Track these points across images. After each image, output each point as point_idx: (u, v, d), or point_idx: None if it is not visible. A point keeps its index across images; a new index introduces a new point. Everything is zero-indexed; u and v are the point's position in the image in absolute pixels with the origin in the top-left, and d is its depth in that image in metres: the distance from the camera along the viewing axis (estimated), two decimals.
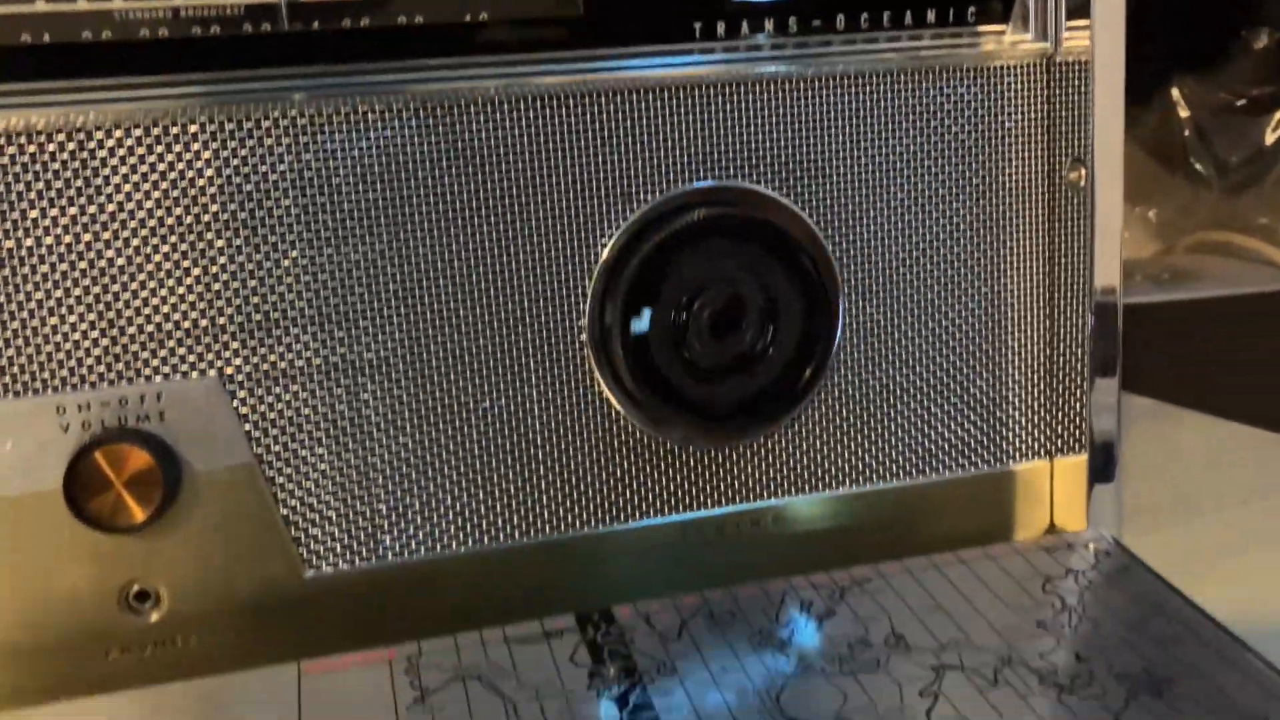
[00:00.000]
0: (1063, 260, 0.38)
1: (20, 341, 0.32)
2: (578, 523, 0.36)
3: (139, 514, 0.32)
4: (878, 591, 0.35)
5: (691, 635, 0.33)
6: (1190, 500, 0.49)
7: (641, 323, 0.35)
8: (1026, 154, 0.37)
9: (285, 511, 0.34)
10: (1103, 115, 0.37)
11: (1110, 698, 0.30)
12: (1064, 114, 0.37)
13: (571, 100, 0.34)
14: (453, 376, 0.35)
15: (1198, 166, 0.86)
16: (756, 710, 0.30)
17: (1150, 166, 0.90)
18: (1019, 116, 0.37)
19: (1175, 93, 0.84)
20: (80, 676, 0.33)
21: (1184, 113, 0.85)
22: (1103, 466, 0.39)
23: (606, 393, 0.36)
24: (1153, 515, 0.47)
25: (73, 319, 0.32)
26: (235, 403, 0.33)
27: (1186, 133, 0.85)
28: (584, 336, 0.35)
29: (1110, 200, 0.38)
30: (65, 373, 0.32)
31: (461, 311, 0.34)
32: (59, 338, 0.32)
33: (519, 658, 0.32)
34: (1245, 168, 0.86)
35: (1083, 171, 0.37)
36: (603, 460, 0.36)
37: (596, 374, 0.36)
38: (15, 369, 0.32)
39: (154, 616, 0.34)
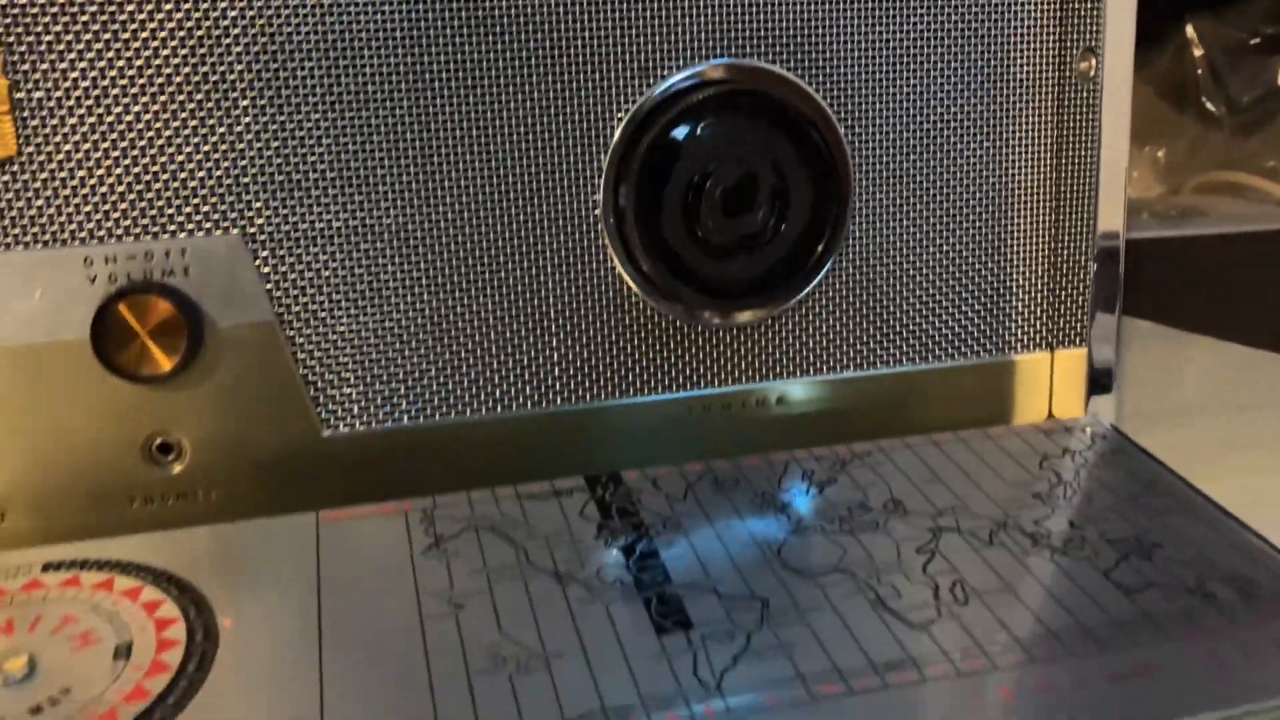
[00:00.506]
0: (1070, 152, 0.39)
1: (49, 193, 0.33)
2: (588, 395, 0.37)
3: (165, 363, 0.33)
4: (877, 464, 0.36)
5: (696, 497, 0.34)
6: (1186, 408, 0.50)
7: (654, 200, 0.36)
8: (1038, 42, 0.38)
9: (304, 371, 0.35)
10: (1115, 3, 0.37)
11: (1101, 559, 0.31)
12: (1076, 2, 0.38)
13: None
14: (469, 246, 0.36)
15: (1209, 106, 0.86)
16: (758, 562, 0.31)
17: (1161, 107, 0.90)
18: (1031, 3, 0.37)
19: (1189, 31, 0.84)
20: (104, 525, 0.34)
21: (1198, 51, 0.85)
22: (1102, 370, 0.40)
23: (619, 269, 0.37)
24: (1147, 419, 0.48)
25: (100, 172, 0.33)
26: (257, 261, 0.34)
27: (1199, 71, 0.85)
28: (598, 212, 0.36)
29: (1120, 91, 0.38)
30: (92, 225, 0.33)
31: (479, 182, 0.35)
32: (86, 190, 0.33)
33: (530, 511, 0.33)
34: (1257, 108, 0.86)
35: (1093, 61, 0.38)
36: (614, 336, 0.37)
37: (610, 250, 0.36)
38: (44, 220, 0.33)
39: (176, 468, 0.35)
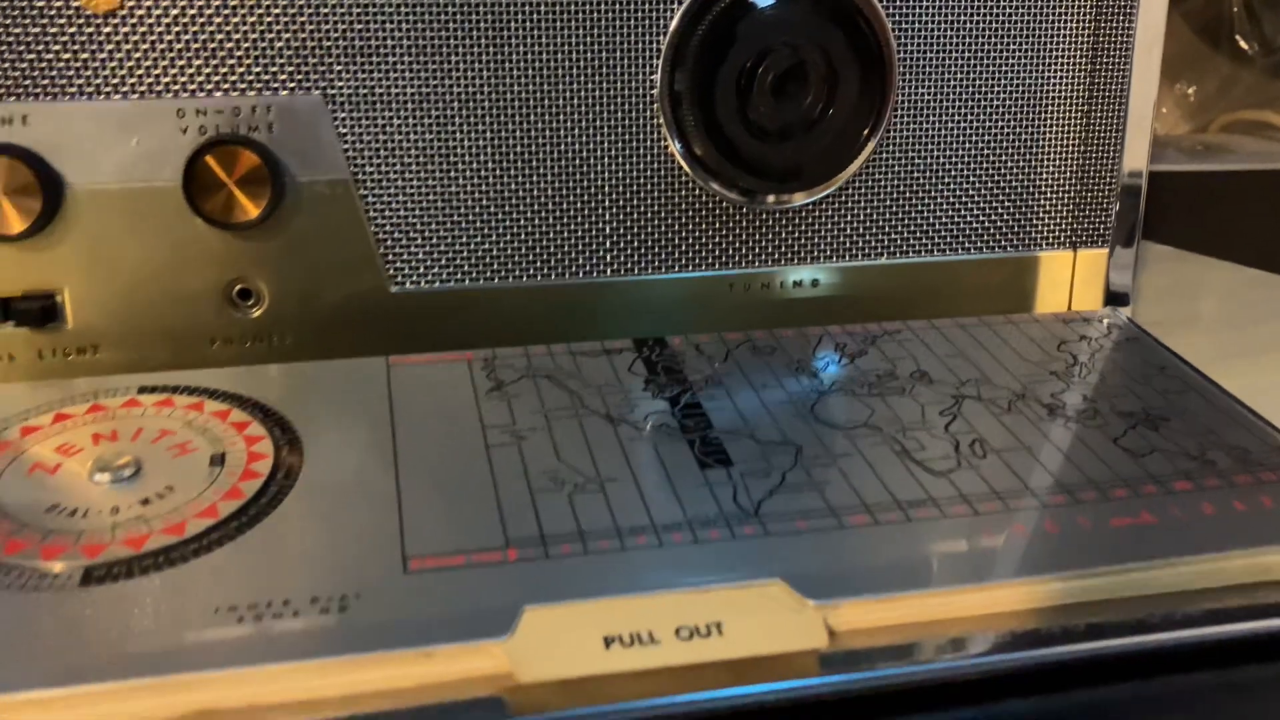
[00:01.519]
0: (1102, 60, 0.41)
1: (147, 46, 0.35)
2: (635, 268, 0.40)
3: (251, 210, 0.35)
4: (905, 340, 0.38)
5: (736, 360, 0.37)
6: (1197, 319, 0.52)
7: (708, 83, 0.38)
8: None
9: (375, 230, 0.37)
10: None
11: (1111, 428, 0.33)
12: None
13: None
14: (532, 120, 0.38)
15: (1242, 44, 0.87)
16: (792, 415, 0.34)
17: (1194, 43, 0.91)
18: None
19: None
20: (186, 363, 0.37)
21: None
22: (1122, 261, 0.43)
23: (672, 149, 0.39)
24: (1163, 328, 0.50)
25: (195, 29, 0.35)
26: (336, 122, 0.36)
27: (1234, 9, 0.85)
28: (655, 93, 0.38)
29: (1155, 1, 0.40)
30: (186, 79, 0.35)
31: (544, 60, 0.37)
32: (182, 45, 0.35)
33: (582, 365, 0.36)
34: None
35: None
36: (663, 213, 0.39)
37: (664, 130, 0.38)
38: (142, 72, 0.35)
39: (255, 313, 0.37)
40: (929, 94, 0.40)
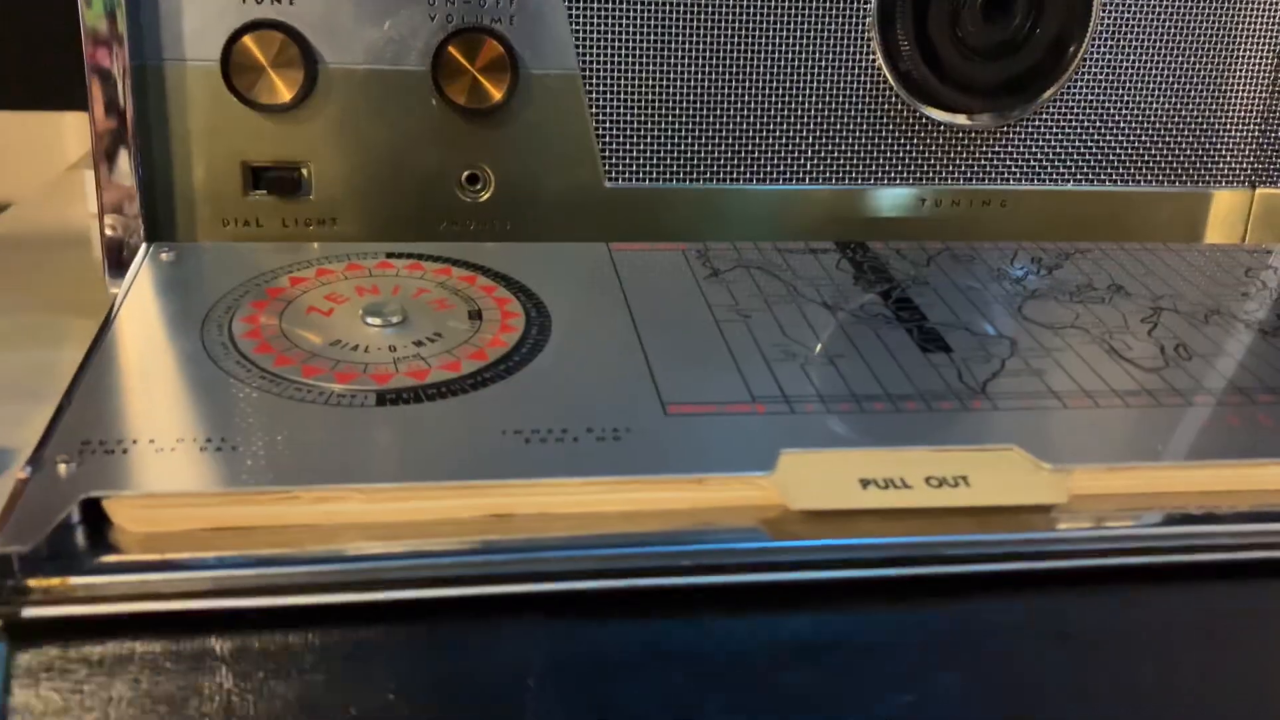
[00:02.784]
0: None
1: None
2: (836, 179, 0.42)
3: (495, 95, 0.37)
4: (1098, 259, 0.40)
5: (938, 265, 0.38)
6: None
7: (922, 4, 0.39)
8: None
9: (597, 126, 0.40)
10: None
11: None
12: None
13: None
14: (752, 29, 0.39)
15: None
16: (1001, 313, 0.35)
17: None
18: None
19: None
20: (414, 240, 0.40)
21: None
22: None
23: (882, 65, 0.40)
24: None
25: None
26: (570, 17, 0.38)
27: None
28: (868, 7, 0.40)
29: None
30: None
31: None
32: None
33: (790, 260, 0.38)
34: None
35: None
36: (868, 128, 0.41)
37: (876, 46, 0.40)
38: None
39: (483, 197, 0.40)
40: (1129, 22, 0.41)
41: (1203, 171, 0.44)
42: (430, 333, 0.32)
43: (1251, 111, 0.43)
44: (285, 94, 0.36)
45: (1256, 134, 0.44)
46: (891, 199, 0.42)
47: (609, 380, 0.30)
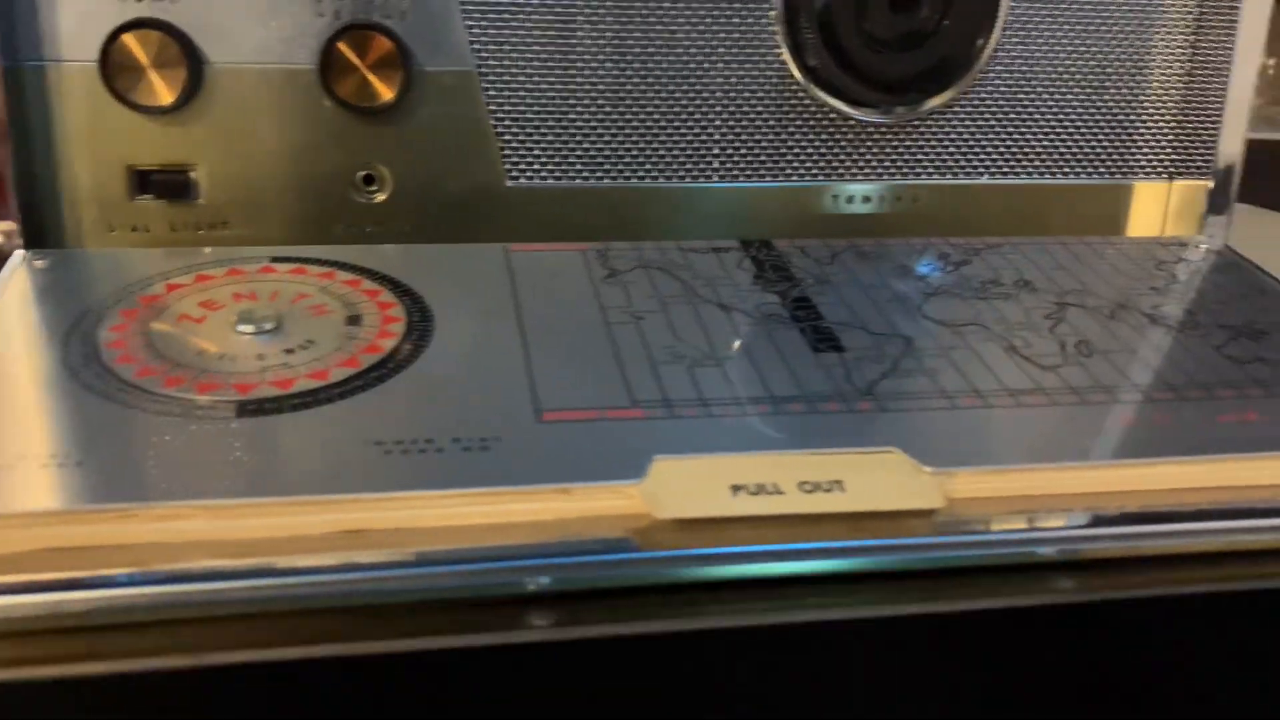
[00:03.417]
0: (1210, 9, 0.41)
1: None
2: (742, 175, 0.41)
3: (386, 94, 0.36)
4: (1008, 253, 0.39)
5: (842, 262, 0.38)
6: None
7: None
8: None
9: (495, 124, 0.39)
10: None
11: (1213, 338, 0.34)
12: None
13: None
14: (653, 24, 0.39)
15: None
16: (901, 311, 0.34)
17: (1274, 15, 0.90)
18: None
19: None
20: (311, 242, 0.38)
21: None
22: (1222, 193, 0.43)
23: (788, 60, 0.39)
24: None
25: None
26: (465, 13, 0.37)
27: None
28: (772, 1, 0.39)
29: None
30: None
31: None
32: None
33: (691, 260, 0.37)
34: None
35: None
36: (775, 124, 0.40)
37: (781, 40, 0.39)
38: None
39: (378, 198, 0.39)
40: (1040, 13, 0.41)
41: (1119, 164, 0.43)
42: (303, 340, 0.31)
43: (1167, 102, 0.43)
44: (167, 95, 0.35)
45: (1172, 125, 0.43)
46: (802, 196, 0.41)
47: (484, 387, 0.29)
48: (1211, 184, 0.43)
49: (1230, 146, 0.42)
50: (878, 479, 0.27)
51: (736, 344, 0.32)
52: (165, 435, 0.26)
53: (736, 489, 0.26)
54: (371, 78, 0.36)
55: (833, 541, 0.25)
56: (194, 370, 0.29)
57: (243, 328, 0.31)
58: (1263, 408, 0.30)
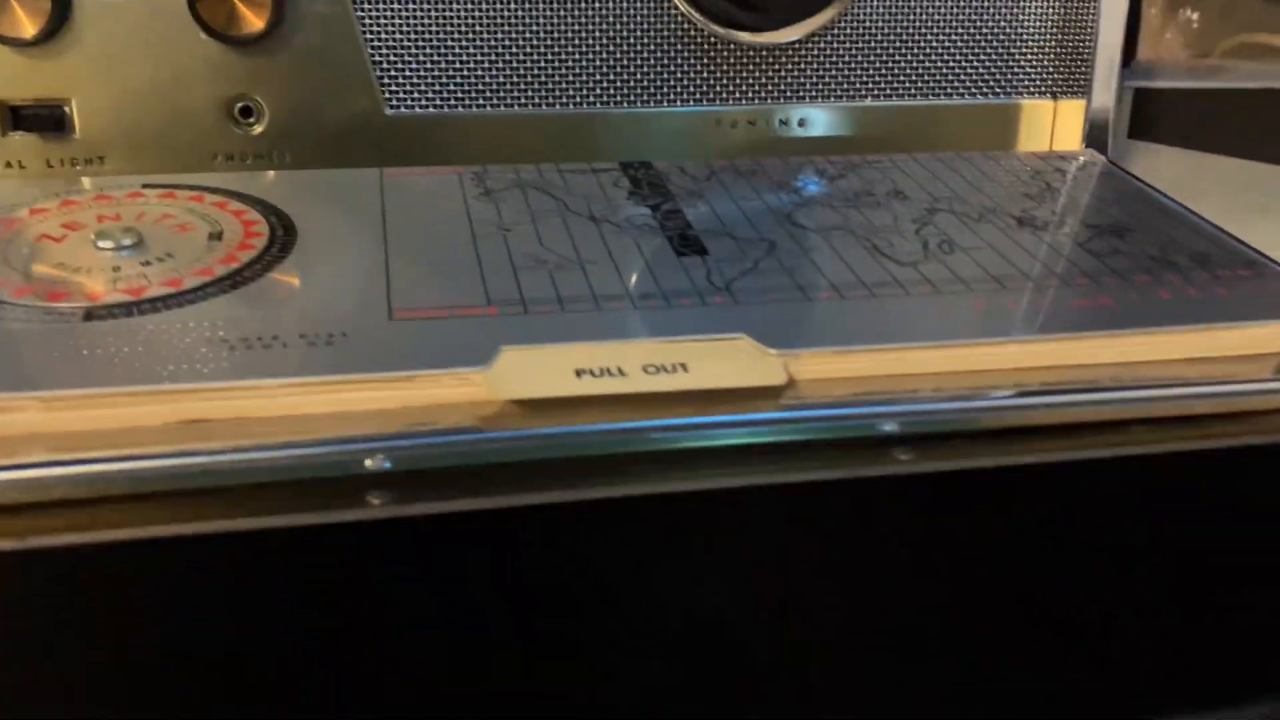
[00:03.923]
0: None
1: None
2: (625, 101, 0.41)
3: (255, 22, 0.36)
4: (885, 168, 0.39)
5: (719, 179, 0.38)
6: (1178, 192, 0.53)
7: None
8: None
9: (372, 53, 0.39)
10: None
11: (1078, 235, 0.35)
12: None
13: None
14: None
15: None
16: (770, 219, 0.35)
17: None
18: None
19: None
20: (192, 174, 0.39)
21: None
22: (1100, 108, 0.43)
23: None
24: None
25: None
26: None
27: None
28: None
29: None
30: None
31: None
32: None
33: (569, 180, 0.37)
34: None
35: None
36: (653, 47, 0.41)
37: None
38: None
39: (256, 130, 0.39)
40: None
41: (1003, 83, 0.44)
42: (163, 253, 0.31)
43: (1047, 21, 0.43)
44: (29, 27, 0.35)
45: (1054, 44, 0.43)
46: (686, 122, 0.41)
47: (339, 291, 0.29)
48: (1088, 100, 0.43)
49: (1106, 61, 0.43)
50: (722, 361, 0.27)
51: (601, 251, 0.32)
52: (6, 339, 0.26)
53: (580, 372, 0.26)
54: (241, 7, 0.36)
55: (671, 419, 0.26)
56: (47, 282, 0.29)
57: (102, 244, 0.31)
58: (1115, 293, 0.31)
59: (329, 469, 0.24)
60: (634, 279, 0.31)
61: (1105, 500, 0.27)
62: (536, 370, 0.26)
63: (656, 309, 0.29)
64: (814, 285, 0.31)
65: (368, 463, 0.24)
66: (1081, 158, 0.41)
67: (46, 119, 0.37)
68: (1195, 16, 0.93)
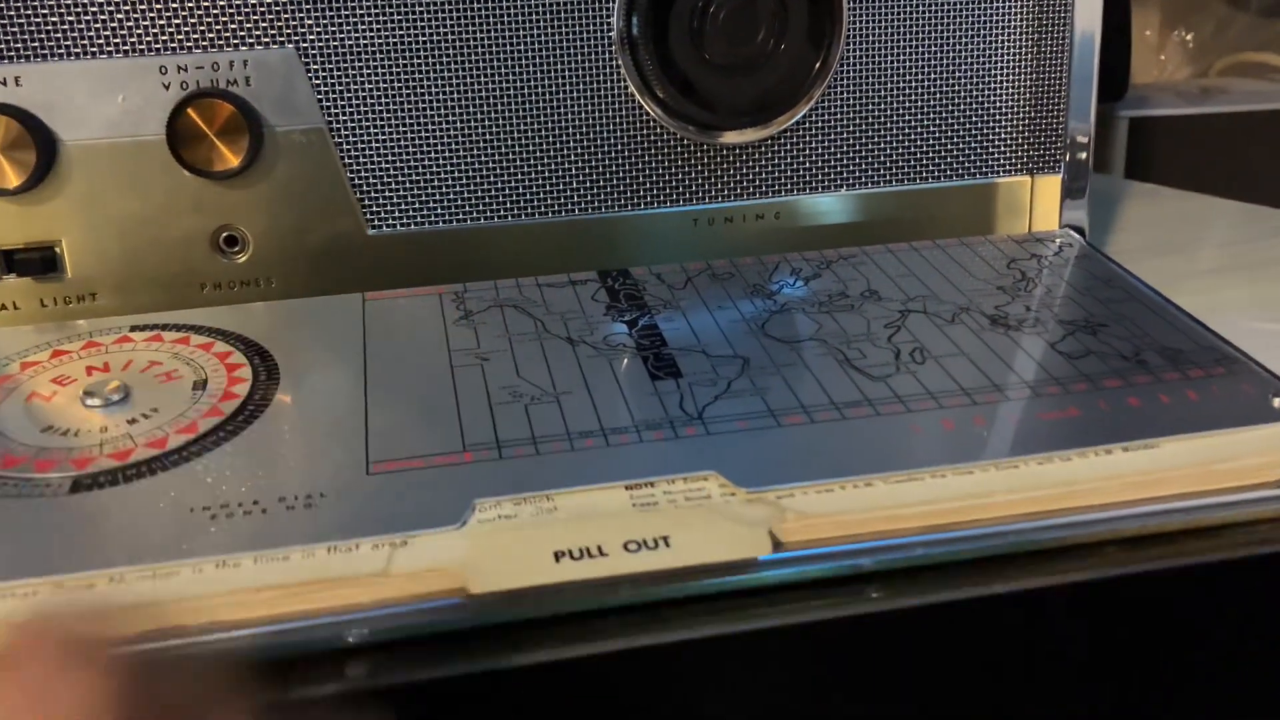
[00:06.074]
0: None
1: (129, 7, 0.37)
2: (603, 207, 0.42)
3: (232, 159, 0.37)
4: (859, 263, 0.40)
5: (695, 287, 0.38)
6: (1180, 247, 0.53)
7: (662, 26, 0.39)
8: None
9: (351, 175, 0.39)
10: None
11: (1050, 334, 0.35)
12: None
13: None
14: (497, 67, 0.39)
15: None
16: (744, 331, 0.35)
17: None
18: None
19: None
20: (180, 306, 0.39)
21: None
22: (1075, 184, 0.44)
23: (634, 91, 0.40)
24: (1129, 254, 0.51)
25: None
26: (309, 73, 0.38)
27: None
28: (612, 35, 0.40)
29: None
30: (166, 38, 0.37)
31: (505, 9, 0.39)
32: (161, 5, 0.37)
33: (548, 295, 0.38)
34: None
35: None
36: (627, 153, 0.41)
37: (623, 72, 0.40)
38: (124, 32, 0.37)
39: (240, 259, 0.39)
40: (878, 25, 0.41)
41: (979, 163, 0.44)
42: (148, 408, 0.31)
43: (1018, 98, 0.43)
44: (14, 179, 0.36)
45: (1026, 120, 0.44)
46: (661, 222, 0.42)
47: (319, 442, 0.30)
48: (1063, 176, 0.43)
49: (1078, 136, 0.43)
50: (705, 530, 0.27)
51: (576, 379, 0.33)
52: None
53: (559, 555, 0.26)
54: (219, 144, 0.37)
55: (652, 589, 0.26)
56: (34, 449, 0.30)
57: (89, 401, 0.32)
58: (1083, 403, 0.31)
59: (307, 646, 0.25)
60: (608, 410, 0.31)
61: (1083, 622, 0.27)
62: (514, 556, 0.26)
63: (629, 445, 0.30)
64: (785, 408, 0.31)
65: (349, 637, 0.25)
66: (1058, 240, 0.42)
67: (38, 261, 0.38)
68: (1190, 37, 0.93)
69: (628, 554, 0.27)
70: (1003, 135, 0.43)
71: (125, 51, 0.37)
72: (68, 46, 0.37)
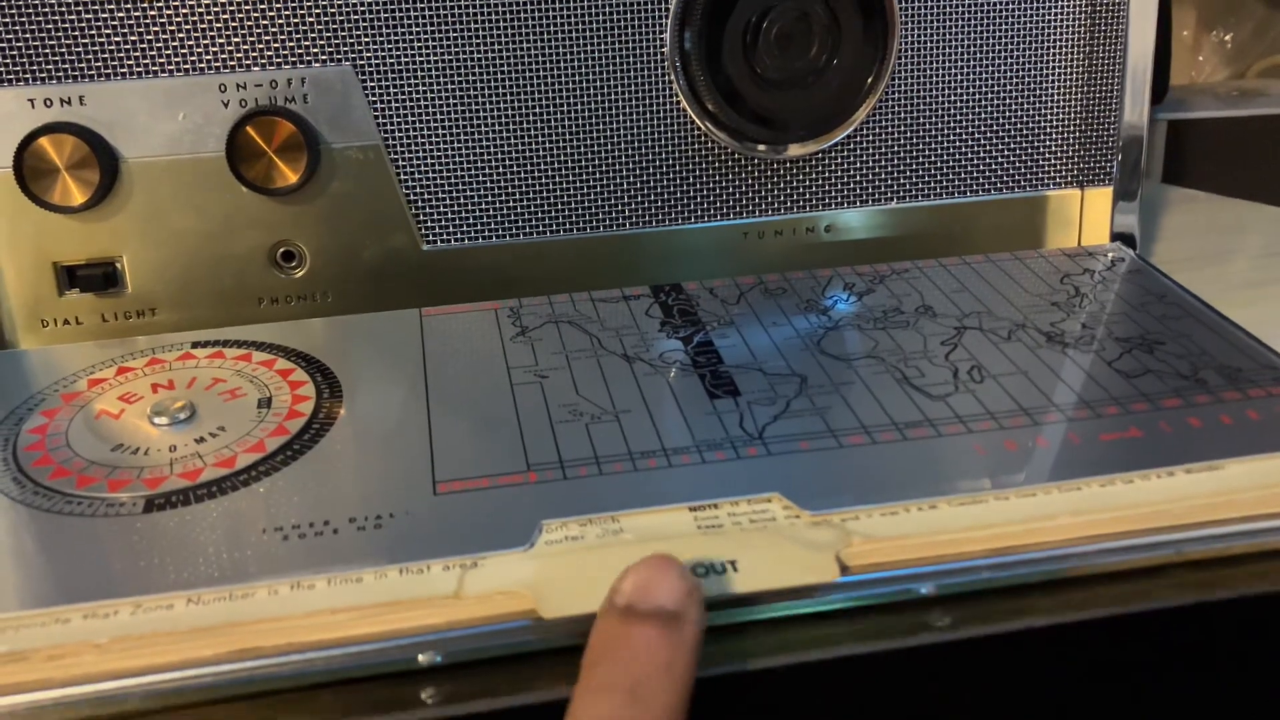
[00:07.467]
0: (1102, 4, 0.42)
1: (189, 27, 0.37)
2: (654, 220, 0.42)
3: (290, 176, 0.38)
4: (913, 278, 0.40)
5: (748, 302, 0.39)
6: (1227, 256, 0.53)
7: (715, 40, 0.39)
8: None
9: (406, 192, 0.40)
10: None
11: (1107, 352, 0.35)
12: None
13: None
14: (551, 84, 0.40)
15: None
16: (799, 349, 0.35)
17: None
18: None
19: None
20: (238, 321, 0.40)
21: None
22: (1127, 189, 0.43)
23: (685, 105, 0.40)
24: (1187, 264, 0.51)
25: (233, 8, 0.37)
26: (366, 91, 0.39)
27: None
28: (665, 51, 0.40)
29: None
30: (225, 56, 0.38)
31: (559, 25, 0.39)
32: (220, 24, 0.37)
33: (602, 311, 0.38)
34: None
35: None
36: (679, 167, 0.41)
37: (675, 88, 0.40)
38: (185, 51, 0.38)
39: (298, 274, 0.40)
40: (930, 40, 0.41)
41: (1029, 176, 0.44)
42: (215, 427, 0.32)
43: (1069, 111, 0.43)
44: (79, 196, 0.37)
45: (1077, 133, 0.44)
46: (713, 236, 0.42)
47: (385, 462, 0.31)
48: (1113, 188, 0.43)
49: (1130, 149, 0.43)
50: (772, 552, 0.27)
51: (635, 397, 0.33)
52: (70, 537, 0.28)
53: None
54: (278, 161, 0.38)
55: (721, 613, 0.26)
56: (107, 468, 0.30)
57: (157, 419, 0.32)
58: (1144, 423, 0.31)
59: (382, 666, 0.25)
60: (668, 430, 0.31)
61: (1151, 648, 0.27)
62: (584, 579, 0.27)
63: (691, 465, 0.30)
64: (846, 428, 0.31)
65: (421, 658, 0.25)
66: (1109, 254, 0.42)
67: (99, 277, 0.39)
68: (1229, 37, 0.92)
69: (696, 576, 0.27)
70: (1054, 148, 0.43)
71: (185, 70, 0.38)
72: (130, 66, 0.37)
